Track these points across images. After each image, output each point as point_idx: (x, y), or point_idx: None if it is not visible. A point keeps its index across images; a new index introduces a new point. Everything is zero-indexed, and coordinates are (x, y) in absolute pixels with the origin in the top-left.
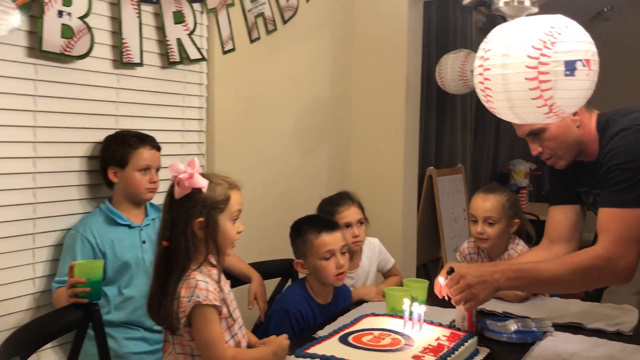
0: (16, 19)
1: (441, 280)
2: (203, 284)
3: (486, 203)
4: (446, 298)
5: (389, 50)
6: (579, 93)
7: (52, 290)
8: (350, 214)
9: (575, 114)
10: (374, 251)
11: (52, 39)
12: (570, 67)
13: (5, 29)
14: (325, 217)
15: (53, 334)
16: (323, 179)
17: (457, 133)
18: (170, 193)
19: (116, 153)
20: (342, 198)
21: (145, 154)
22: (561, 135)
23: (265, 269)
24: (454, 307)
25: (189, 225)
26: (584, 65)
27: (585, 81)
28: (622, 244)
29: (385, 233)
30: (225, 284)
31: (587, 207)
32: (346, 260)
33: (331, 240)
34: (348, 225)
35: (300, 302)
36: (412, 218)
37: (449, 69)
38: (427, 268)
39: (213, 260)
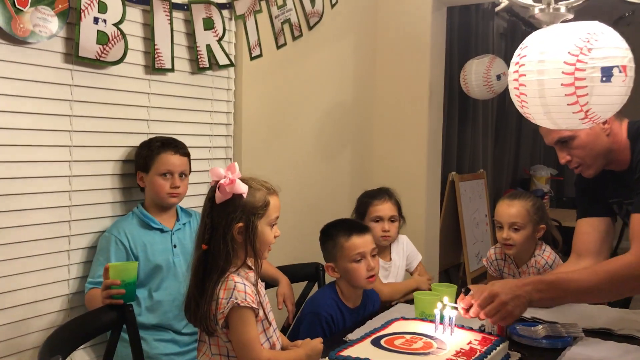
0: (55, 26)
1: (460, 305)
2: (241, 286)
3: (511, 209)
4: (480, 318)
5: (413, 56)
6: (615, 99)
7: (85, 291)
8: (383, 208)
9: (605, 122)
10: (402, 245)
11: (88, 45)
12: (606, 73)
13: (45, 35)
14: (355, 220)
15: (89, 334)
16: (346, 184)
17: (478, 138)
18: (211, 197)
19: (141, 158)
20: (380, 192)
21: (165, 159)
22: (590, 144)
23: (292, 272)
24: None
25: (229, 229)
26: (620, 72)
27: (622, 87)
28: None
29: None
30: (261, 287)
31: (621, 219)
32: (377, 262)
33: (362, 242)
34: (379, 219)
35: (331, 305)
36: (434, 223)
37: (473, 74)
38: (449, 273)
39: (250, 263)
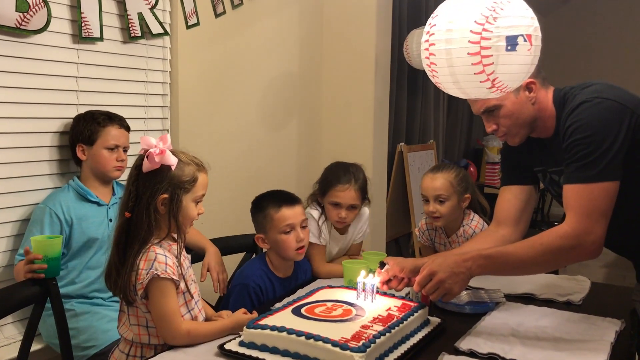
0: None
1: (376, 279)
2: (162, 258)
3: (435, 182)
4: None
5: (359, 25)
6: (521, 68)
7: (15, 262)
8: (344, 195)
9: (530, 90)
10: (362, 219)
11: (6, 12)
12: (511, 42)
13: None
14: (285, 192)
15: (10, 308)
16: (292, 155)
17: (429, 109)
18: (138, 166)
19: (85, 130)
20: (346, 175)
21: (113, 132)
22: (516, 112)
23: (230, 244)
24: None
25: (153, 200)
26: (525, 41)
27: (527, 56)
28: (589, 220)
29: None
30: (185, 259)
31: (545, 186)
32: (306, 234)
33: (291, 214)
34: (337, 205)
35: (260, 276)
36: (381, 194)
37: (414, 43)
38: (399, 242)
39: (175, 235)
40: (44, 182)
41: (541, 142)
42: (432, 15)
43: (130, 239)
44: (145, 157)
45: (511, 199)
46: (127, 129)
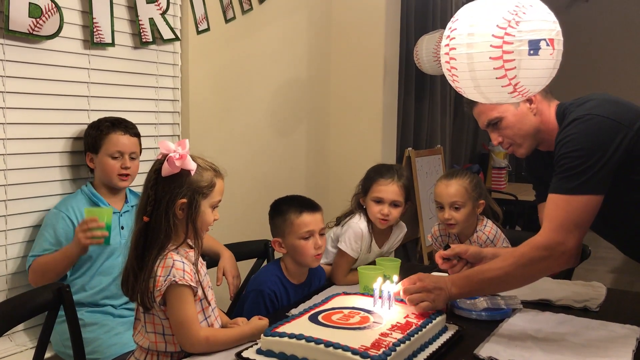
0: None
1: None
2: (180, 264)
3: (450, 188)
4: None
5: (367, 31)
6: (543, 72)
7: (28, 264)
8: (387, 190)
9: (531, 102)
10: (399, 235)
11: (19, 18)
12: (534, 47)
13: None
14: (306, 198)
15: (24, 315)
16: (301, 160)
17: (436, 114)
18: (157, 170)
19: (89, 138)
20: (390, 171)
21: (115, 139)
22: (518, 123)
23: (241, 249)
24: None
25: (172, 204)
26: (547, 45)
27: (549, 60)
28: (561, 231)
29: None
30: (202, 266)
31: None
32: (324, 241)
33: (312, 220)
34: (380, 200)
35: (275, 282)
36: None
37: (424, 49)
38: (406, 248)
39: (191, 242)
40: (56, 188)
41: (552, 156)
42: (452, 19)
43: (149, 243)
44: (166, 161)
45: None
46: (135, 135)
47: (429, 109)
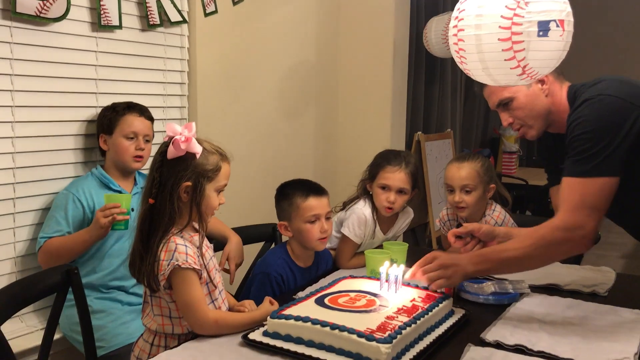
0: None
1: (400, 269)
2: (182, 248)
3: (461, 171)
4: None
5: (377, 13)
6: (552, 54)
7: (38, 246)
8: (393, 177)
9: (543, 82)
10: (406, 220)
11: (26, 0)
12: (543, 28)
13: None
14: (312, 182)
15: (33, 297)
16: (309, 143)
17: (446, 98)
18: (162, 152)
19: (104, 119)
20: (397, 158)
21: (131, 120)
22: (529, 104)
23: (249, 233)
24: None
25: (177, 187)
26: (557, 26)
27: (559, 42)
28: (579, 214)
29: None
30: (207, 249)
31: None
32: (330, 225)
33: (318, 204)
34: (387, 187)
35: (281, 265)
36: None
37: (433, 31)
38: (415, 232)
39: (196, 225)
40: (66, 170)
41: (563, 139)
42: (461, 0)
43: (154, 225)
44: (171, 144)
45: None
46: (149, 118)
47: (439, 93)
